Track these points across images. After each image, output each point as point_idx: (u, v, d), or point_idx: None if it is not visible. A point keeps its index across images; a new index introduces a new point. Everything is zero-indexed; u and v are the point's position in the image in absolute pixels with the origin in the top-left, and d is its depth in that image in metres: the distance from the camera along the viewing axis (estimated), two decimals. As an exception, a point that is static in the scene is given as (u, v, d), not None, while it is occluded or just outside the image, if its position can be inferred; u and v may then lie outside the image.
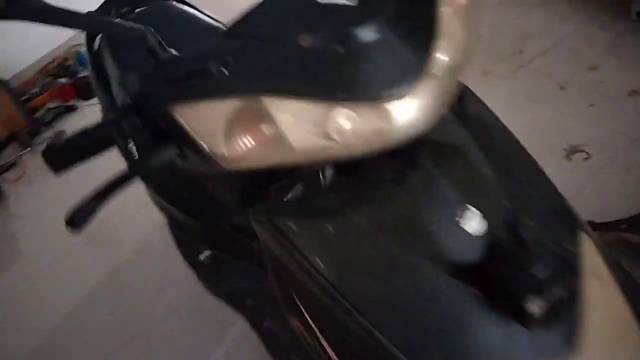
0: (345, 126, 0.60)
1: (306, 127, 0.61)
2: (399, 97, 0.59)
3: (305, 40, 0.61)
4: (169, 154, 0.70)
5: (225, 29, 0.68)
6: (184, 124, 0.66)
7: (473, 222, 0.70)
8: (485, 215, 0.70)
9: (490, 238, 0.69)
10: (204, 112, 0.65)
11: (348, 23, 0.60)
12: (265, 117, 0.62)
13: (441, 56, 0.62)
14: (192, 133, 0.66)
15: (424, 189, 0.72)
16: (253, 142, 0.65)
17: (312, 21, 0.61)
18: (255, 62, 0.63)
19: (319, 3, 0.62)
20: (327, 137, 0.61)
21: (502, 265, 0.64)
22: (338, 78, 0.60)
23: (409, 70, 0.60)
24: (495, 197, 0.74)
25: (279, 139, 0.62)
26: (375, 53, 0.59)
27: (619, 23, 2.61)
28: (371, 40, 0.59)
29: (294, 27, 0.62)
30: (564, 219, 0.77)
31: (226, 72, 0.63)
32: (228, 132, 0.65)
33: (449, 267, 0.67)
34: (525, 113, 2.22)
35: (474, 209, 0.70)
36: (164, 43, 0.70)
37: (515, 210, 0.73)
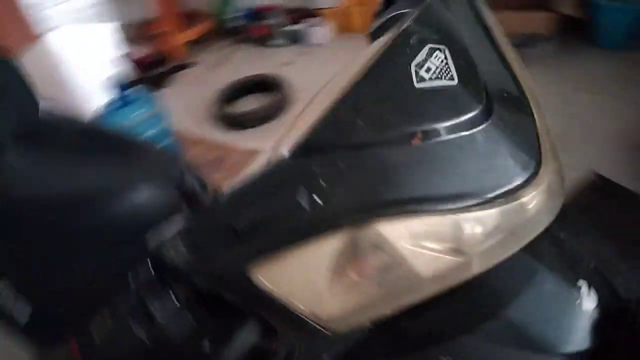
0: (477, 233, 0.48)
1: (433, 247, 0.47)
2: (529, 186, 0.50)
3: (418, 137, 0.46)
4: (249, 337, 0.47)
5: (294, 141, 0.49)
6: (270, 288, 0.45)
7: (588, 299, 0.62)
8: (590, 285, 0.63)
9: (601, 307, 0.62)
10: (297, 262, 0.46)
11: (461, 110, 0.48)
12: (381, 248, 0.47)
13: (544, 136, 0.54)
14: (282, 297, 0.46)
15: (527, 280, 0.62)
16: (369, 286, 0.47)
17: (417, 112, 0.48)
18: (356, 179, 0.46)
19: (418, 88, 0.48)
20: (457, 252, 0.48)
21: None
22: (464, 178, 0.47)
23: (529, 155, 0.52)
24: (584, 262, 0.67)
25: (403, 273, 0.47)
26: (493, 142, 0.49)
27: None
28: (489, 128, 0.49)
29: (398, 123, 0.47)
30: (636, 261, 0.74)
31: (320, 201, 0.45)
32: (333, 281, 0.46)
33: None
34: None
35: (584, 283, 0.62)
36: (203, 179, 0.48)
37: (603, 268, 0.67)
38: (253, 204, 0.47)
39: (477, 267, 0.50)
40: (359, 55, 0.69)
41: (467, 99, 0.49)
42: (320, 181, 0.46)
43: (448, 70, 0.49)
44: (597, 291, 0.62)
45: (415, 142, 0.47)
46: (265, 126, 2.92)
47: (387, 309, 0.49)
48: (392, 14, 0.70)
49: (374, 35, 0.73)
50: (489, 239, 0.48)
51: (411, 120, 0.47)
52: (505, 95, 0.53)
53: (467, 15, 0.61)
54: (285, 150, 0.48)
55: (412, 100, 0.48)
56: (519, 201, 0.49)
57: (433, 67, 0.49)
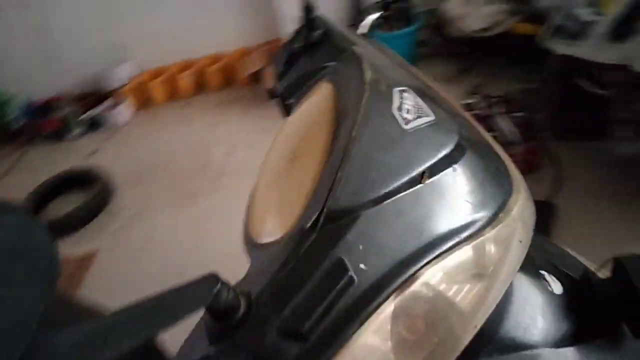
0: (494, 251, 0.51)
1: (464, 279, 0.48)
2: (514, 195, 0.55)
3: (426, 176, 0.48)
4: None
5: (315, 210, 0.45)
6: None
7: (555, 285, 0.69)
8: (549, 273, 0.71)
9: (566, 291, 0.69)
10: (362, 343, 0.41)
11: (448, 141, 0.50)
12: (427, 298, 0.46)
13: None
14: None
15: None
16: (428, 340, 0.46)
17: (418, 152, 0.49)
18: (387, 233, 0.45)
19: (408, 129, 0.49)
20: (480, 276, 0.50)
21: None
22: (469, 203, 0.50)
23: (503, 168, 0.56)
24: (535, 254, 0.75)
25: (452, 314, 0.47)
26: (478, 164, 0.53)
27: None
28: (471, 152, 0.52)
29: (406, 168, 0.47)
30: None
31: (365, 267, 0.43)
32: (396, 348, 0.44)
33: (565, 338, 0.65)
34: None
35: (545, 273, 0.70)
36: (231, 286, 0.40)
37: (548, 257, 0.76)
38: (300, 296, 0.41)
39: (502, 286, 0.52)
40: (291, 118, 0.67)
41: (449, 129, 0.51)
42: (360, 247, 0.43)
43: (421, 107, 0.51)
44: (556, 277, 0.70)
45: (425, 180, 0.48)
46: (93, 223, 2.62)
47: (450, 357, 0.48)
48: (301, 73, 0.70)
49: (285, 96, 0.73)
50: (504, 253, 0.50)
51: (416, 161, 0.48)
52: (459, 120, 0.57)
53: (382, 55, 0.65)
54: (306, 226, 0.44)
55: (409, 142, 0.49)
56: (513, 211, 0.52)
57: (410, 108, 0.51)
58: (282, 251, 0.45)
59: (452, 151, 0.50)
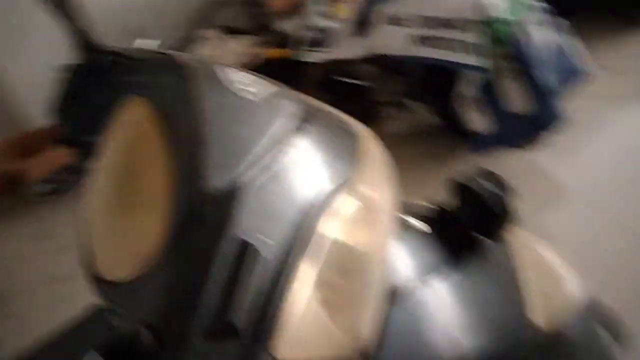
0: (368, 191, 0.50)
1: (357, 223, 0.48)
2: (361, 139, 0.56)
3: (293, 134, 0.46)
4: None
5: None
6: None
7: (420, 225, 0.73)
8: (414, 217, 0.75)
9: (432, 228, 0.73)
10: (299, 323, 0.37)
11: (297, 106, 0.50)
12: (337, 253, 0.45)
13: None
14: None
15: None
16: (353, 291, 0.44)
17: (279, 114, 0.46)
18: (275, 196, 0.42)
19: (258, 101, 0.46)
20: (367, 219, 0.49)
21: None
22: (338, 152, 0.50)
23: (349, 120, 0.57)
24: None
25: (363, 261, 0.46)
26: (328, 122, 0.53)
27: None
28: (322, 113, 0.53)
29: (268, 127, 0.45)
30: None
31: (266, 238, 0.39)
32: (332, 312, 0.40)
33: None
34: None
35: (407, 217, 0.74)
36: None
37: None
38: (209, 291, 0.34)
39: (390, 223, 0.52)
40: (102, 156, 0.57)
41: (291, 94, 0.50)
42: (252, 220, 0.38)
43: (257, 80, 0.49)
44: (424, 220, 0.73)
45: (294, 139, 0.45)
46: None
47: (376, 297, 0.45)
48: (94, 103, 0.61)
49: (81, 137, 0.61)
50: (379, 192, 0.51)
51: (273, 122, 0.45)
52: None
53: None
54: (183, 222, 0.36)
55: (260, 110, 0.45)
56: (367, 151, 0.52)
57: (244, 80, 0.47)
58: (163, 264, 0.37)
59: (304, 112, 0.48)
